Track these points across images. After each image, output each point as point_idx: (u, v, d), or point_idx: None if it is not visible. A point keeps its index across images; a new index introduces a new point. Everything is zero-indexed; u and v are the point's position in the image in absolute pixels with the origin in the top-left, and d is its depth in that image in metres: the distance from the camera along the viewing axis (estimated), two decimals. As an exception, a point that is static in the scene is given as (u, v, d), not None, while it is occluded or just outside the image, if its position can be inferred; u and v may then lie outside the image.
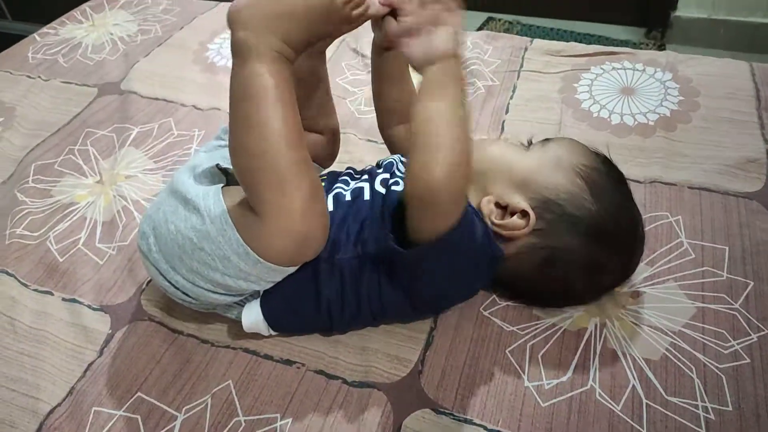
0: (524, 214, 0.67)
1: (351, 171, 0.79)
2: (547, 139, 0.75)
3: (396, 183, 0.71)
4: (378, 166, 0.78)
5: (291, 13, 0.60)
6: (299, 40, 0.61)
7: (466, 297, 0.73)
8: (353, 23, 0.65)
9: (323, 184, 0.76)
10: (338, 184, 0.75)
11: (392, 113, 0.86)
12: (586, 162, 0.69)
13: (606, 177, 0.69)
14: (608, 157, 0.73)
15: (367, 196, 0.71)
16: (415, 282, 0.66)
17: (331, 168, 0.88)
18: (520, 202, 0.68)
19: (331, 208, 0.70)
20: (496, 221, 0.68)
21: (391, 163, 0.77)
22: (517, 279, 0.71)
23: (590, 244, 0.67)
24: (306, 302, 0.68)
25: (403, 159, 0.78)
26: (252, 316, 0.68)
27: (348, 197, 0.71)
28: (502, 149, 0.75)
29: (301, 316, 0.69)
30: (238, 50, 0.60)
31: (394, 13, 0.67)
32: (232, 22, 0.60)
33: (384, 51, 0.80)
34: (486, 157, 0.72)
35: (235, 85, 0.60)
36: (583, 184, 0.67)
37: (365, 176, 0.76)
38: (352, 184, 0.74)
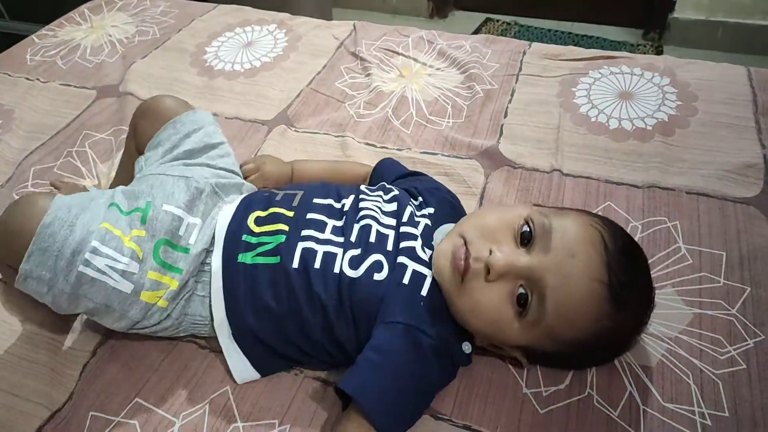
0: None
1: (331, 202, 0.74)
2: (546, 270, 0.61)
3: (371, 269, 0.66)
4: (357, 208, 0.73)
5: None
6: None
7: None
8: None
9: (301, 194, 0.75)
10: (311, 232, 0.69)
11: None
12: (590, 328, 0.61)
13: (614, 331, 0.62)
14: (631, 280, 0.62)
15: (336, 269, 0.66)
16: None
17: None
18: (513, 350, 0.67)
19: (296, 265, 0.67)
20: (491, 349, 0.69)
21: (368, 228, 0.70)
22: None
23: (587, 358, 0.68)
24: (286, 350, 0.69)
25: (380, 220, 0.71)
26: (237, 363, 0.70)
27: (317, 263, 0.67)
28: (490, 320, 0.64)
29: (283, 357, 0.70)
30: None
31: None
32: None
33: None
34: (473, 318, 0.65)
35: None
36: (585, 343, 0.62)
37: (340, 232, 0.70)
38: (326, 240, 0.69)
